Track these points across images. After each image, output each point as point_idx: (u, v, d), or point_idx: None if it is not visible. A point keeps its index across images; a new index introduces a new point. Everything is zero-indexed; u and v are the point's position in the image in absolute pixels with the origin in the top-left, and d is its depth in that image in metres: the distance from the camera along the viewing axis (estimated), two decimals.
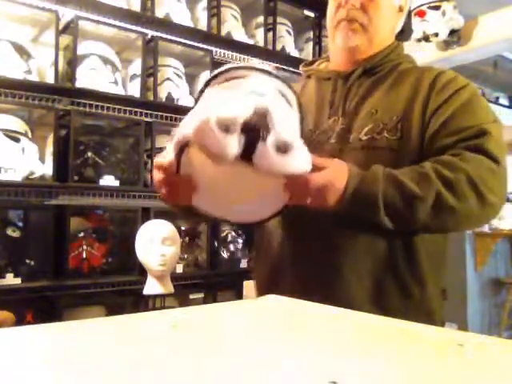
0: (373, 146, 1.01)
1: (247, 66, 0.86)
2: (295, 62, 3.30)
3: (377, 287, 0.99)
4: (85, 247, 2.41)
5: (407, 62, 1.14)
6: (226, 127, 0.73)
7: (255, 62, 0.91)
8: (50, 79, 2.39)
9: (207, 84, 0.87)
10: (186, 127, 0.78)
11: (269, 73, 0.84)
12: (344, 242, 1.00)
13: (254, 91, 0.78)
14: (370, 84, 1.10)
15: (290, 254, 1.06)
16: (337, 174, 0.91)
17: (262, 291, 1.08)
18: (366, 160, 0.98)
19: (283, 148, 0.76)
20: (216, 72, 0.86)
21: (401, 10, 1.14)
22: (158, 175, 0.90)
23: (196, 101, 0.89)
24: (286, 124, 0.78)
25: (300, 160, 0.79)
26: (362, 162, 0.97)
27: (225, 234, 2.92)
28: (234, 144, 0.74)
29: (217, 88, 0.84)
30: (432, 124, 1.00)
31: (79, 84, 2.41)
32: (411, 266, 1.00)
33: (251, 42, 3.10)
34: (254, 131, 0.74)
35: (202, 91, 0.88)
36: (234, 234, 2.95)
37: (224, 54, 3.06)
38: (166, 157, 0.85)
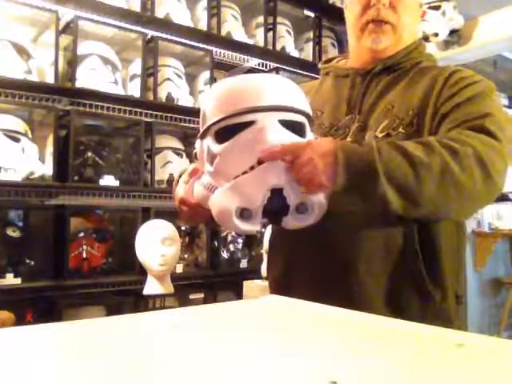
0: None
1: (252, 109, 0.80)
2: (295, 62, 3.30)
3: (395, 290, 0.97)
4: (85, 247, 2.41)
5: (428, 61, 1.13)
6: (245, 215, 0.79)
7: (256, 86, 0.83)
8: (50, 79, 2.39)
9: (206, 130, 0.85)
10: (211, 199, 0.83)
11: (275, 109, 0.81)
12: (360, 242, 0.98)
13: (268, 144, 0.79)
14: (388, 81, 1.09)
15: (305, 255, 1.04)
16: (318, 148, 0.84)
17: (275, 291, 1.07)
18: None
19: (304, 209, 0.82)
20: (218, 118, 0.82)
21: (420, 6, 1.14)
22: (181, 205, 0.97)
23: (195, 156, 0.89)
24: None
25: (322, 204, 0.83)
26: None
27: (225, 233, 2.92)
28: (255, 227, 0.81)
29: (225, 151, 0.82)
30: (439, 113, 0.98)
31: (79, 84, 2.41)
32: (431, 269, 0.98)
33: (251, 42, 3.10)
34: (277, 204, 0.80)
35: (202, 137, 0.87)
36: (234, 234, 2.95)
37: (224, 54, 3.06)
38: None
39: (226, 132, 0.82)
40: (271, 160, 0.81)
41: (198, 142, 0.90)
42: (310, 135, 0.88)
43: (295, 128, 0.84)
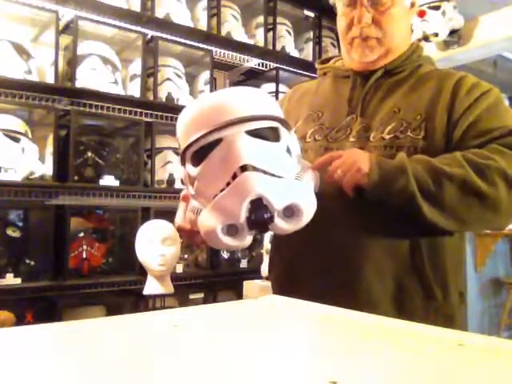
0: (396, 145, 1.01)
1: (217, 127, 0.81)
2: (295, 62, 3.30)
3: (399, 289, 0.98)
4: (85, 247, 2.41)
5: (428, 64, 1.14)
6: (232, 231, 0.79)
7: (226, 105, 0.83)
8: (50, 79, 2.39)
9: (185, 151, 0.86)
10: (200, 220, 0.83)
11: (239, 121, 0.82)
12: (366, 243, 0.99)
13: (239, 164, 0.79)
14: (390, 84, 1.09)
15: (309, 255, 1.04)
16: (356, 151, 0.95)
17: (278, 291, 1.06)
18: (389, 158, 0.97)
19: (291, 213, 0.81)
20: (188, 142, 0.83)
21: (412, 5, 1.12)
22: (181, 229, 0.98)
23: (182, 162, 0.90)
24: (284, 188, 0.81)
25: (309, 204, 0.82)
26: None
27: None
28: (244, 241, 0.81)
29: (202, 171, 0.84)
30: (459, 126, 0.99)
31: (79, 84, 2.41)
32: (434, 267, 0.99)
33: (251, 42, 3.10)
34: (259, 214, 0.79)
35: (182, 164, 0.88)
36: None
37: (224, 53, 3.06)
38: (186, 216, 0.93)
39: (200, 154, 0.84)
40: (320, 168, 0.91)
41: (182, 169, 0.92)
42: (287, 137, 0.88)
43: (267, 134, 0.84)
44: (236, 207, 0.77)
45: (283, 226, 0.81)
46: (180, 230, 0.97)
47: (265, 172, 0.80)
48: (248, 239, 0.81)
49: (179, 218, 0.97)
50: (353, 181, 0.92)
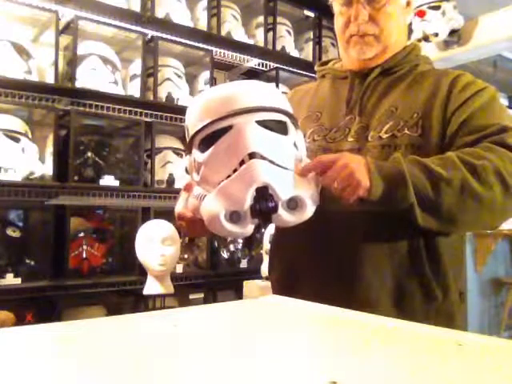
0: (394, 144, 1.01)
1: (228, 114, 0.82)
2: (295, 62, 3.30)
3: (399, 289, 0.98)
4: (85, 247, 2.41)
5: (425, 64, 1.14)
6: (235, 218, 0.80)
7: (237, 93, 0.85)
8: (50, 79, 2.39)
9: (193, 138, 0.86)
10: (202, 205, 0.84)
11: (250, 110, 0.82)
12: (366, 243, 0.99)
13: (248, 151, 0.80)
14: (387, 83, 1.10)
15: (309, 256, 1.04)
16: (352, 157, 0.90)
17: (278, 292, 1.06)
18: (387, 158, 0.97)
19: (295, 205, 0.81)
20: (198, 128, 0.84)
21: (408, 4, 1.12)
22: (181, 219, 0.97)
23: (188, 151, 0.90)
24: (290, 180, 0.82)
25: (313, 198, 0.83)
26: (383, 160, 0.96)
27: None
28: (246, 229, 0.81)
29: (208, 158, 0.84)
30: (452, 123, 0.99)
31: (79, 84, 2.41)
32: (434, 268, 0.99)
33: (251, 41, 3.10)
34: (263, 202, 0.79)
35: (189, 151, 0.89)
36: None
37: (224, 53, 3.06)
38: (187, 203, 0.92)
39: (208, 141, 0.84)
40: (307, 174, 0.86)
41: (187, 157, 0.92)
42: (294, 133, 0.89)
43: (276, 127, 0.85)
44: (241, 194, 0.78)
45: (286, 217, 0.81)
46: (180, 217, 0.96)
47: (272, 162, 0.81)
48: (250, 228, 0.81)
49: (180, 206, 0.97)
50: (353, 196, 0.88)
